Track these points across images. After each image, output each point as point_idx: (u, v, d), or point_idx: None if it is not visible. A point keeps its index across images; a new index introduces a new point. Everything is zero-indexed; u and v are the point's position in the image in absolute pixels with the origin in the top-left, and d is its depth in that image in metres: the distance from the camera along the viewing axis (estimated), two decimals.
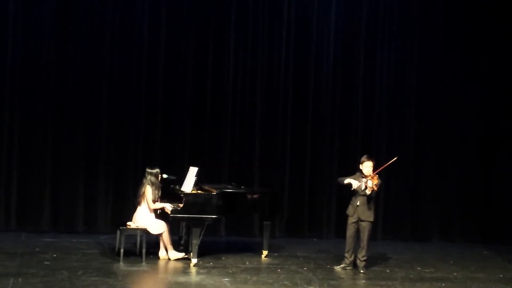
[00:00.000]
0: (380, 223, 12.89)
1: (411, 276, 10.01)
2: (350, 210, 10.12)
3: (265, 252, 10.80)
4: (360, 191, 9.97)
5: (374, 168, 10.00)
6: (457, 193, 13.18)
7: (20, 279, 8.76)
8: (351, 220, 10.09)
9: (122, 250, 9.99)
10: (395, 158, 10.29)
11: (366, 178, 9.91)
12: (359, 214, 10.01)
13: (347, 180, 10.05)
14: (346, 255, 10.19)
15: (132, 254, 10.32)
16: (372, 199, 9.99)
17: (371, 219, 10.04)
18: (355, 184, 9.97)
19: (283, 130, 12.83)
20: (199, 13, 12.55)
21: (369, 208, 9.99)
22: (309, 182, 12.82)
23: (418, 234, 13.03)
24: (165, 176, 10.53)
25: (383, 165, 10.12)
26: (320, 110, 12.92)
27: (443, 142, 13.19)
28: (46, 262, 9.79)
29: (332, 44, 12.95)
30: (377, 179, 9.92)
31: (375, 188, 9.89)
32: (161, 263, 10.20)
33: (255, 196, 10.64)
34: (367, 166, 9.99)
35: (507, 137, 12.77)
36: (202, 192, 10.38)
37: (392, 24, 13.10)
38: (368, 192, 9.89)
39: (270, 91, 12.82)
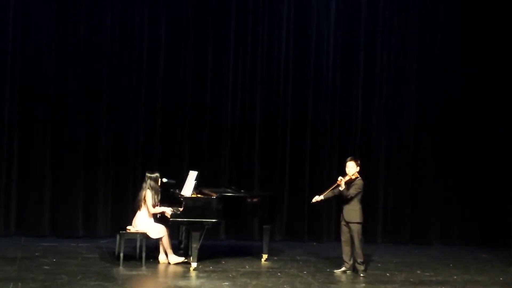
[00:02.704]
0: (379, 226, 12.93)
1: (411, 279, 10.00)
2: (341, 216, 10.20)
3: (265, 256, 10.80)
4: (344, 193, 10.03)
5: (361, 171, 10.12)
6: (456, 196, 13.18)
7: (19, 284, 8.74)
8: (342, 224, 10.15)
9: (121, 255, 9.97)
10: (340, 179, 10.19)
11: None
12: (345, 216, 10.06)
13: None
14: (345, 259, 10.18)
15: (132, 258, 10.31)
16: (353, 199, 9.97)
17: (357, 220, 10.01)
18: (315, 198, 10.16)
19: (283, 133, 12.84)
20: (199, 20, 12.56)
21: (353, 209, 10.00)
22: (308, 185, 12.81)
23: (418, 237, 13.03)
24: (164, 180, 10.53)
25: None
26: (319, 114, 12.93)
27: (443, 145, 13.19)
28: (45, 267, 9.78)
29: (331, 50, 12.96)
30: (350, 178, 9.95)
31: (339, 182, 9.90)
32: (161, 267, 10.20)
33: (254, 200, 10.63)
34: (348, 166, 10.08)
35: (507, 140, 12.75)
36: (202, 196, 10.38)
37: (392, 25, 13.11)
38: (341, 188, 9.95)
39: (270, 94, 12.83)
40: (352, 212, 10.02)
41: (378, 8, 13.06)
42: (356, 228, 10.01)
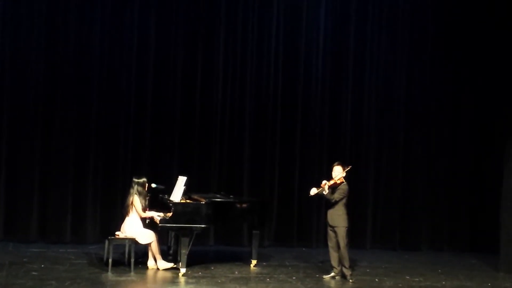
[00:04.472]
0: (369, 231, 12.95)
1: (400, 285, 10.02)
2: (327, 221, 10.22)
3: (254, 262, 10.79)
4: (327, 197, 10.04)
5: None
6: (445, 202, 13.21)
7: None
8: (329, 229, 10.16)
9: (110, 260, 9.95)
10: (350, 167, 10.28)
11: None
12: (330, 221, 10.09)
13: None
14: (334, 264, 10.19)
15: (121, 264, 10.29)
16: (337, 204, 9.99)
17: (342, 224, 10.03)
18: (312, 191, 10.10)
19: (272, 138, 12.85)
20: (189, 22, 12.59)
21: (337, 214, 10.02)
22: (298, 191, 12.82)
23: (407, 242, 13.05)
24: (154, 185, 10.52)
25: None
26: (309, 119, 12.95)
27: (433, 151, 13.23)
28: (34, 273, 9.74)
29: (321, 55, 12.99)
30: (335, 182, 9.97)
31: (322, 186, 9.92)
32: (150, 273, 10.17)
33: (244, 205, 10.64)
34: (334, 170, 10.13)
35: (496, 146, 12.77)
36: (191, 201, 10.37)
37: (381, 29, 13.16)
38: (324, 192, 9.96)
39: (259, 100, 12.85)
40: (337, 217, 10.04)
41: (367, 10, 13.09)
42: (341, 232, 10.02)
